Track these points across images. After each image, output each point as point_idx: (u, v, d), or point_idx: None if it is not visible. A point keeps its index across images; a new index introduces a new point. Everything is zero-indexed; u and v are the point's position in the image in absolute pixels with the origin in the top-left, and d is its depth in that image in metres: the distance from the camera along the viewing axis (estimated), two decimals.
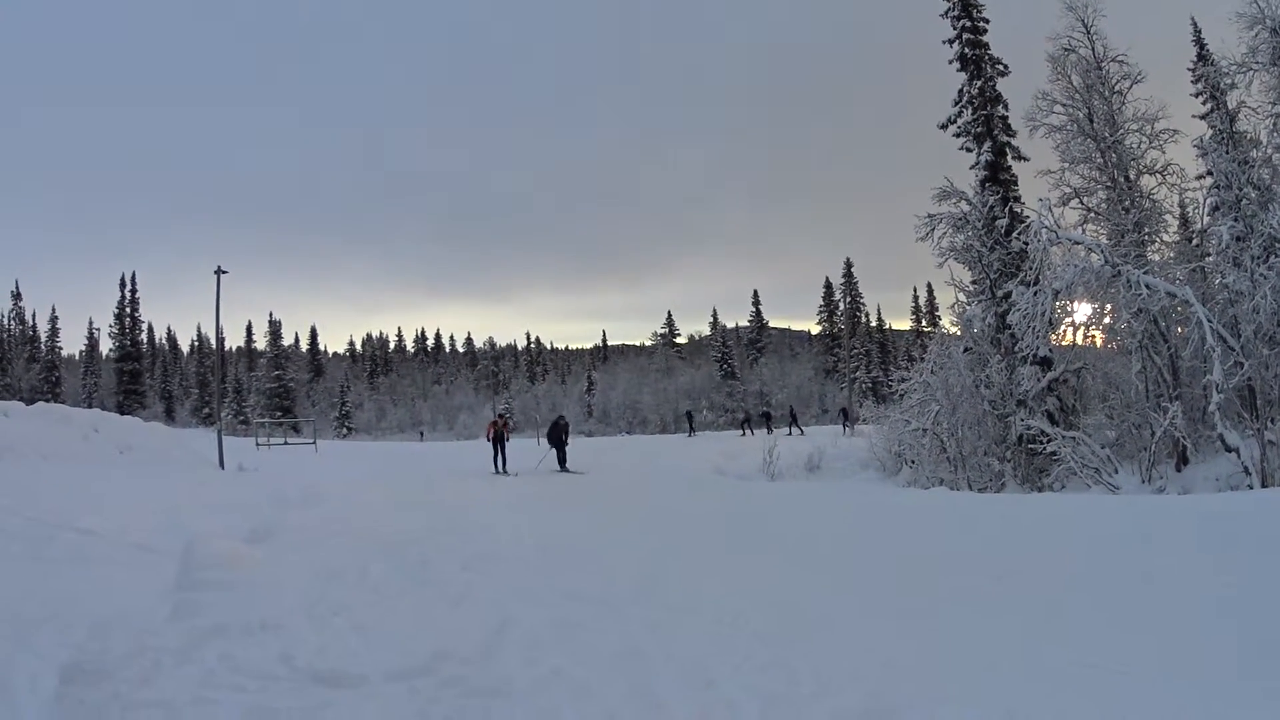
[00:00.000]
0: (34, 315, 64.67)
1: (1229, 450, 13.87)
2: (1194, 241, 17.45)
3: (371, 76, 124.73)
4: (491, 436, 18.46)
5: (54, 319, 64.63)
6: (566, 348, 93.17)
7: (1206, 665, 3.66)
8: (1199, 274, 16.25)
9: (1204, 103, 18.10)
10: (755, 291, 76.21)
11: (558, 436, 18.65)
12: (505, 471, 17.27)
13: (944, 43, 19.66)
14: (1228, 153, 16.07)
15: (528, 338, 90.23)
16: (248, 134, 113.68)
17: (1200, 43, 18.47)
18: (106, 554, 5.59)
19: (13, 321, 63.48)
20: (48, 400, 32.95)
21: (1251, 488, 12.98)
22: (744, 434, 34.85)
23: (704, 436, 36.90)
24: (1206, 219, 16.68)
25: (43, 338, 64.50)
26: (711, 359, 70.09)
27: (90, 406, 36.09)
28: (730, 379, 66.46)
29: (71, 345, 71.69)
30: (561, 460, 18.10)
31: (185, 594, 4.74)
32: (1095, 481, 14.82)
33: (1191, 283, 15.45)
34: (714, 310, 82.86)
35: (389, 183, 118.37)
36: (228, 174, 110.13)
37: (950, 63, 19.58)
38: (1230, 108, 16.87)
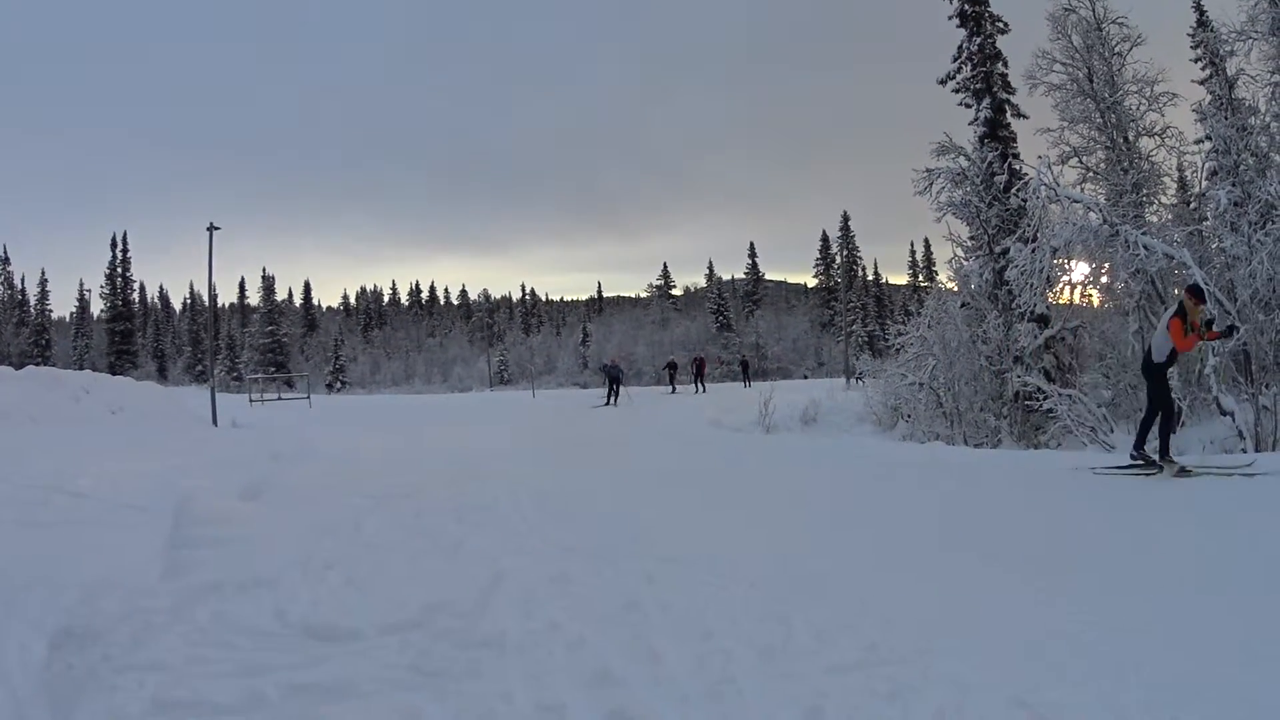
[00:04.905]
0: (23, 279, 64.26)
1: (1224, 414, 13.91)
2: (1191, 205, 17.37)
3: (367, 26, 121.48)
4: None
5: (43, 282, 64.30)
6: (562, 299, 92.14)
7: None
8: (1196, 237, 16.19)
9: (1203, 68, 17.89)
10: (752, 244, 76.93)
11: None
12: None
13: None
14: (1226, 119, 15.93)
15: (523, 290, 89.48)
16: (240, 86, 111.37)
17: (1200, 9, 18.21)
18: (99, 516, 5.55)
19: (1, 286, 63.08)
20: (38, 364, 32.80)
21: (1245, 451, 13.04)
22: (672, 391, 32.35)
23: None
24: (1205, 183, 16.59)
25: (32, 301, 64.11)
26: (707, 311, 70.03)
27: (81, 368, 35.81)
28: (726, 331, 66.57)
29: (62, 308, 71.20)
30: None
31: (178, 552, 4.72)
32: (1091, 440, 14.88)
33: (1189, 245, 15.38)
34: (710, 262, 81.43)
35: (385, 134, 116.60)
36: (220, 129, 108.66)
37: (950, 19, 19.31)
38: (1229, 74, 16.70)
